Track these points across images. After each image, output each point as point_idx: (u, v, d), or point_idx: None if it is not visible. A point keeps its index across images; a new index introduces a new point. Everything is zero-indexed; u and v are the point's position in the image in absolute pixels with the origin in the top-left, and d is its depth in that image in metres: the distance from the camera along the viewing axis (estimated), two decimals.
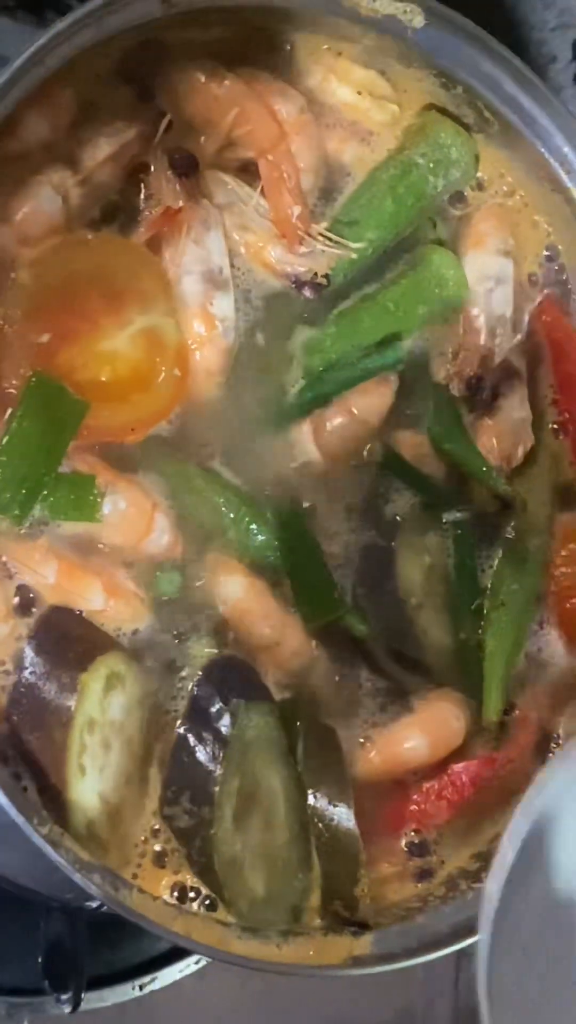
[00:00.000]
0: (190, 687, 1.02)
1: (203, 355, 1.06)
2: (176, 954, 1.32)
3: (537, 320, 1.19)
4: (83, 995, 1.24)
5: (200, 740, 1.01)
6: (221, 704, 1.01)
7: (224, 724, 1.01)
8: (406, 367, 1.13)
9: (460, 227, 1.18)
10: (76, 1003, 1.22)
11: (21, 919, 1.22)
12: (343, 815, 1.03)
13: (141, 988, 1.33)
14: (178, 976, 1.34)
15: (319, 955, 1.00)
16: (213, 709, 1.01)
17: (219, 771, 1.00)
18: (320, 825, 1.03)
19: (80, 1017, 1.28)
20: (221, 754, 1.01)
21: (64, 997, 1.22)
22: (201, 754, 1.01)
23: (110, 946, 1.29)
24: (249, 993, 1.43)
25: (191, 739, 1.01)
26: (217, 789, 1.00)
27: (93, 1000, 1.31)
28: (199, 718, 1.01)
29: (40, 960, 1.22)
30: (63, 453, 0.99)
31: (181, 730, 1.02)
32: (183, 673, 1.03)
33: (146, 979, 1.34)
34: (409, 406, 1.13)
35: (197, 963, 1.33)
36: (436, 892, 1.08)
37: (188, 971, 1.34)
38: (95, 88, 1.05)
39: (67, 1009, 1.22)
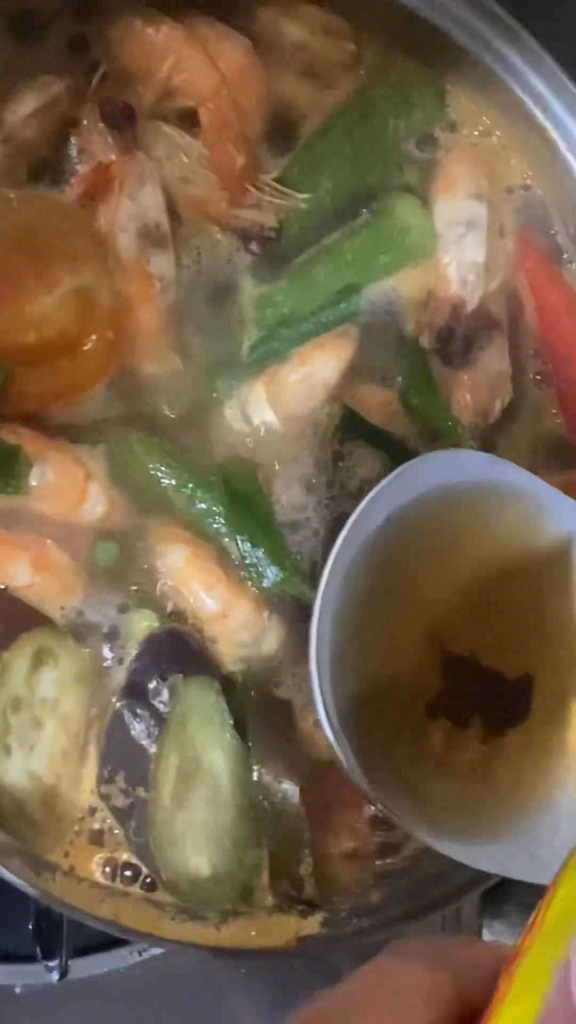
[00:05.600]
0: (128, 662, 0.98)
1: (141, 316, 1.01)
2: None
3: (518, 267, 1.12)
4: (78, 961, 1.24)
5: (136, 717, 0.98)
6: (158, 679, 0.98)
7: (162, 700, 0.98)
8: (373, 319, 1.08)
9: (431, 170, 1.11)
10: (63, 971, 1.21)
11: (14, 888, 1.22)
12: (289, 792, 0.99)
13: (140, 954, 1.32)
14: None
15: (262, 936, 0.97)
16: (150, 685, 0.98)
17: (155, 749, 0.97)
18: (266, 803, 0.99)
19: (74, 984, 1.27)
20: (157, 732, 0.97)
21: (51, 964, 1.21)
22: (136, 732, 0.98)
23: None
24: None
25: (126, 716, 0.98)
26: (153, 767, 0.96)
27: (91, 966, 1.30)
28: (135, 694, 0.98)
29: (31, 927, 1.21)
30: None
31: (117, 706, 0.98)
32: (123, 648, 0.99)
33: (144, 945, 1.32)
34: (376, 360, 1.08)
35: None
36: (398, 867, 1.03)
37: None
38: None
39: (55, 976, 1.22)
